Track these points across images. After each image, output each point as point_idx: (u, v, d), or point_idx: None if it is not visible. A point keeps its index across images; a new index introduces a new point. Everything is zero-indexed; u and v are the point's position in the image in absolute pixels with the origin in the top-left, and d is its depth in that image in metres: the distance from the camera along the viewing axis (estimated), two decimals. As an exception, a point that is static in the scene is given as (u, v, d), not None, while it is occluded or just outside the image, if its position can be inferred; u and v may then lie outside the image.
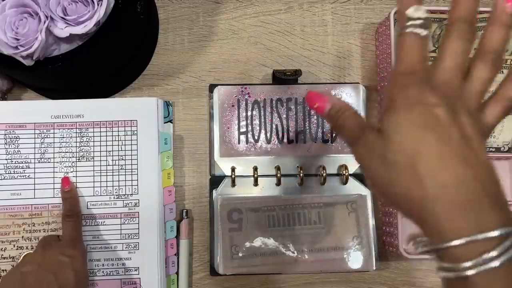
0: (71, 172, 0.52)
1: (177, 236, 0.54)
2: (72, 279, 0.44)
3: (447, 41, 0.32)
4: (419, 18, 0.32)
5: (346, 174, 0.54)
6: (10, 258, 0.51)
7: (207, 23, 0.59)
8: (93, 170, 0.52)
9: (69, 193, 0.50)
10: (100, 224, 0.52)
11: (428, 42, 0.33)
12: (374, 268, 0.53)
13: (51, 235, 0.50)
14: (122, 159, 0.53)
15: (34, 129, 0.52)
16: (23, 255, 0.49)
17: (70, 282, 0.44)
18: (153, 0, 0.57)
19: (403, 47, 0.32)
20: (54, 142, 0.52)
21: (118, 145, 0.53)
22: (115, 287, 0.51)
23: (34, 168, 0.52)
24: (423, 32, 0.32)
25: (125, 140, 0.53)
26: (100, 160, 0.53)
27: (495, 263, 0.25)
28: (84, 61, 0.48)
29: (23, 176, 0.52)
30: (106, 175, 0.52)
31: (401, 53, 0.32)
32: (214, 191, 0.54)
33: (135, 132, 0.53)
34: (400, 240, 0.50)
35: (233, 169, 0.54)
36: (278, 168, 0.54)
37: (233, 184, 0.54)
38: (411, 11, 0.32)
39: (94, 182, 0.52)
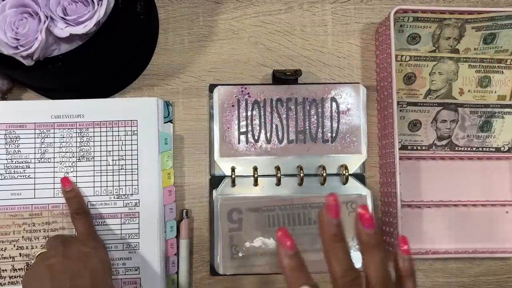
0: (71, 172, 0.52)
1: (177, 236, 0.54)
2: (100, 266, 0.45)
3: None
4: None
5: (346, 174, 0.54)
6: (10, 258, 0.51)
7: (207, 23, 0.59)
8: (93, 170, 0.52)
9: (72, 192, 0.50)
10: (100, 224, 0.52)
11: None
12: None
13: (60, 234, 0.50)
14: (122, 159, 0.53)
15: (34, 129, 0.52)
16: (37, 254, 0.47)
17: (98, 270, 0.44)
18: (153, 0, 0.57)
19: None
20: (54, 142, 0.52)
21: (118, 145, 0.53)
22: (115, 287, 0.51)
23: (34, 168, 0.52)
24: None
25: (125, 140, 0.53)
26: (100, 160, 0.53)
27: None
28: (84, 61, 0.47)
29: (23, 176, 0.52)
30: (106, 175, 0.52)
31: None
32: (214, 191, 0.54)
33: (135, 132, 0.53)
34: (400, 240, 0.50)
35: (233, 169, 0.54)
36: (278, 168, 0.54)
37: (233, 184, 0.54)
38: None
39: (94, 182, 0.52)
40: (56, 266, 0.43)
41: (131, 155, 0.53)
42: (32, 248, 0.51)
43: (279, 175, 0.54)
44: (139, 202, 0.52)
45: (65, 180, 0.51)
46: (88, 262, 0.44)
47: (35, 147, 0.52)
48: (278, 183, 0.54)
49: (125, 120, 0.53)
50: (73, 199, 0.50)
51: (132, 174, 0.52)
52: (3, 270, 0.51)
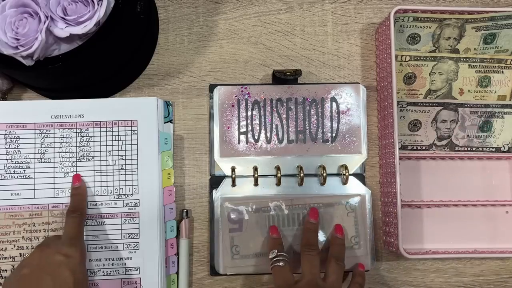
0: (71, 172, 0.52)
1: (177, 236, 0.54)
2: (70, 279, 0.43)
3: (303, 263, 0.49)
4: (276, 256, 0.49)
5: (346, 174, 0.54)
6: (10, 258, 0.51)
7: (207, 23, 0.59)
8: (93, 170, 0.52)
9: (77, 190, 0.51)
10: (100, 224, 0.52)
11: (288, 269, 0.48)
12: (370, 268, 0.53)
13: (53, 237, 0.50)
14: (122, 159, 0.53)
15: (34, 129, 0.52)
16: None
17: (68, 282, 0.43)
18: (153, 0, 0.57)
19: (274, 275, 0.49)
20: (54, 142, 0.52)
21: (118, 145, 0.53)
22: (115, 287, 0.51)
23: (34, 168, 0.52)
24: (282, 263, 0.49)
25: (125, 140, 0.53)
26: (100, 160, 0.53)
27: None
28: (84, 61, 0.47)
29: (23, 176, 0.52)
30: (106, 175, 0.52)
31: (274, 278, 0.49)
32: (214, 191, 0.54)
33: (135, 132, 0.53)
34: (400, 240, 0.50)
35: (233, 169, 0.54)
36: (278, 168, 0.54)
37: (233, 184, 0.54)
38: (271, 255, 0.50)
39: (94, 182, 0.52)
40: (25, 279, 0.43)
41: (131, 155, 0.53)
42: (32, 248, 0.51)
43: (279, 175, 0.54)
44: (139, 202, 0.52)
45: (76, 177, 0.51)
46: (58, 273, 0.43)
47: (35, 147, 0.52)
48: (278, 183, 0.54)
49: (125, 120, 0.53)
50: (76, 196, 0.50)
51: (132, 174, 0.52)
52: (3, 270, 0.51)
